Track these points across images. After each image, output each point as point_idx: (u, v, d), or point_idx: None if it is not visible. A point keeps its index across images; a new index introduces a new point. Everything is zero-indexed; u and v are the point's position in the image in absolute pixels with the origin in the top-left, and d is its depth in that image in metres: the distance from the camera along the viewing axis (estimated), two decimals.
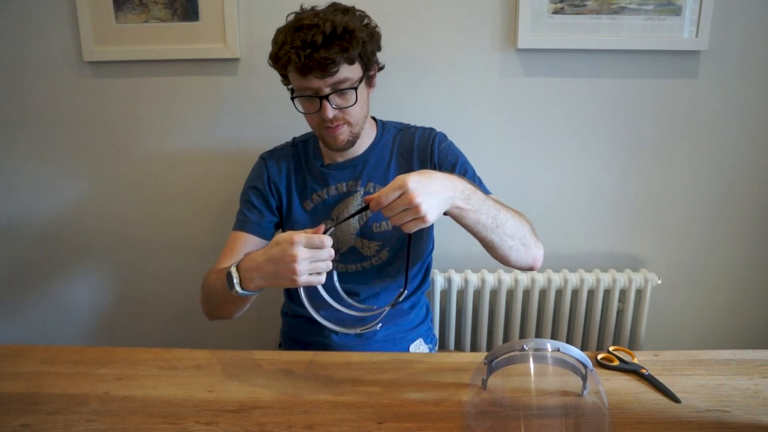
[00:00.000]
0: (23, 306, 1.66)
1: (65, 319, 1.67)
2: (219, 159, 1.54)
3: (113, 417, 0.86)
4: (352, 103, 1.08)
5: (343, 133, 1.10)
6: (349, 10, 1.09)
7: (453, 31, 1.45)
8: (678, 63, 1.47)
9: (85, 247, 1.62)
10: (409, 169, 1.18)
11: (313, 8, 1.09)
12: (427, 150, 1.18)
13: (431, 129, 1.23)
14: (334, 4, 1.11)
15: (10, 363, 1.01)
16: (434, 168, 1.16)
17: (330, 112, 1.06)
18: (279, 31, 1.08)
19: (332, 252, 0.87)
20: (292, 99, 1.11)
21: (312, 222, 1.19)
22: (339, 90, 1.05)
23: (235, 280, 0.94)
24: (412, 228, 0.85)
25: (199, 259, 1.61)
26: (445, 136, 1.22)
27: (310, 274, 0.87)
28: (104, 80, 1.49)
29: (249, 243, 1.16)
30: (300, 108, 1.10)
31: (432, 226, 1.24)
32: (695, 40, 1.43)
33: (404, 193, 0.82)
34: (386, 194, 0.83)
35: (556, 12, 1.42)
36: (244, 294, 0.95)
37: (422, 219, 0.83)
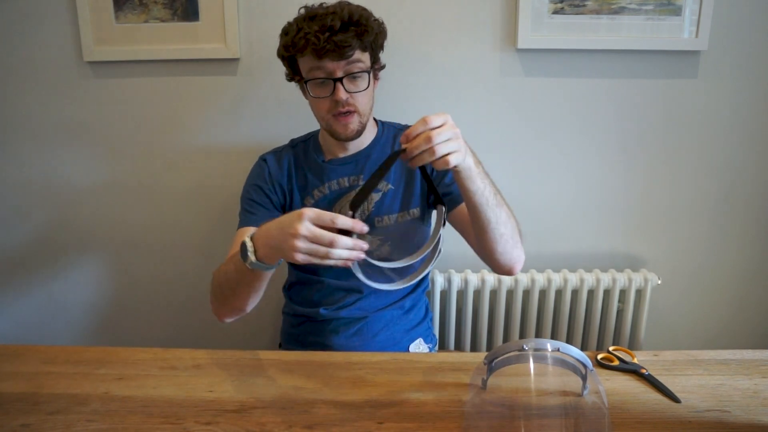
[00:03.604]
0: (23, 306, 1.66)
1: (65, 319, 1.67)
2: (219, 159, 1.54)
3: (113, 417, 0.86)
4: (364, 88, 1.10)
5: (353, 122, 1.11)
6: (358, 6, 1.12)
7: (453, 31, 1.45)
8: (678, 63, 1.47)
9: (85, 247, 1.62)
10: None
11: (321, 4, 1.13)
12: None
13: None
14: (342, 2, 1.13)
15: (10, 363, 1.01)
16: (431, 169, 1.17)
17: (343, 94, 1.07)
18: (290, 23, 1.12)
19: (349, 242, 0.79)
20: (305, 83, 1.12)
21: None
22: (352, 74, 1.08)
23: (249, 250, 0.88)
24: (453, 161, 0.82)
25: (199, 259, 1.61)
26: None
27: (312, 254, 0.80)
28: (104, 80, 1.49)
29: None
30: (311, 93, 1.11)
31: (429, 229, 1.24)
32: (695, 40, 1.43)
33: (447, 123, 0.82)
34: (432, 118, 0.81)
35: (556, 12, 1.42)
36: (257, 266, 0.89)
37: (460, 152, 0.83)
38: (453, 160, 0.83)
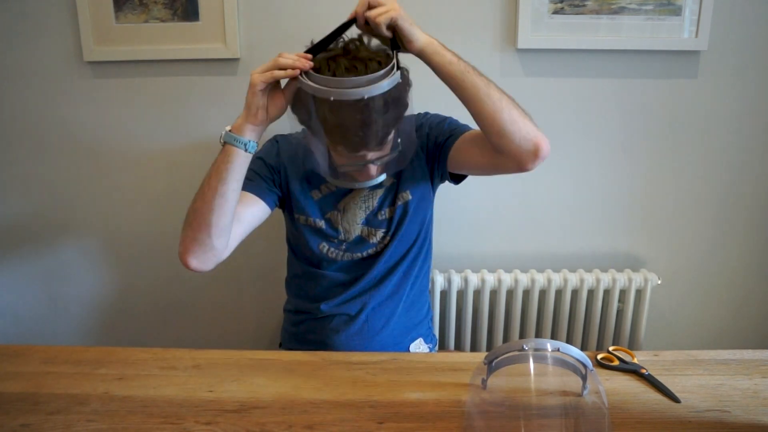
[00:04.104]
0: (24, 306, 1.66)
1: (65, 319, 1.67)
2: None
3: (113, 417, 0.86)
4: (389, 151, 1.03)
5: (375, 172, 1.06)
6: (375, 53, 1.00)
7: (453, 31, 1.45)
8: (678, 63, 1.47)
9: (86, 246, 1.62)
10: None
11: (337, 59, 0.97)
12: (417, 124, 1.17)
13: (417, 112, 1.21)
14: (353, 46, 1.00)
15: (10, 363, 1.01)
16: (425, 135, 1.16)
17: (373, 171, 1.02)
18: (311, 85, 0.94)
19: (293, 55, 0.94)
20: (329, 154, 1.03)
21: (321, 210, 1.18)
22: (381, 151, 1.01)
23: (226, 127, 0.98)
24: (384, 18, 0.93)
25: None
26: (428, 111, 1.22)
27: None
28: (104, 80, 1.49)
29: (251, 201, 1.10)
30: (336, 160, 1.03)
31: (430, 221, 1.24)
32: (695, 40, 1.43)
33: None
34: None
35: (556, 12, 1.42)
36: (229, 139, 0.97)
37: (398, 12, 0.94)
38: (384, 18, 0.93)
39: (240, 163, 0.99)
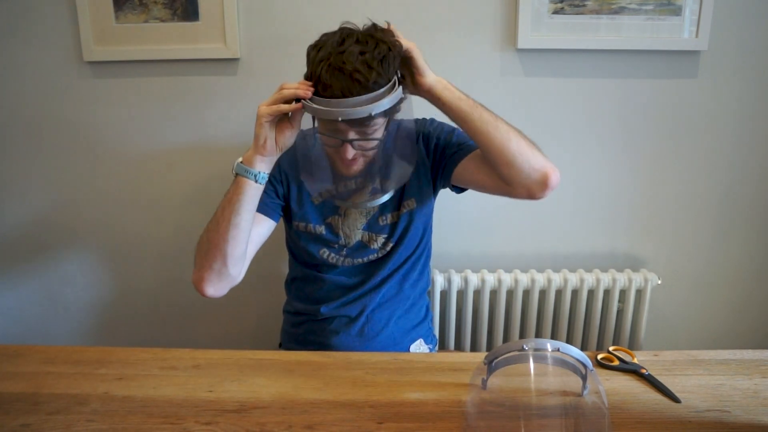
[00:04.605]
0: (24, 306, 1.66)
1: (65, 319, 1.67)
2: (219, 159, 1.54)
3: (113, 417, 0.86)
4: (375, 145, 1.03)
5: (358, 165, 1.06)
6: (383, 47, 0.94)
7: (453, 31, 1.45)
8: (678, 63, 1.47)
9: (86, 247, 1.62)
10: None
11: (343, 41, 0.95)
12: (423, 133, 1.17)
13: (423, 118, 1.21)
14: (366, 38, 0.96)
15: (10, 363, 1.01)
16: (432, 145, 1.15)
17: (350, 153, 1.01)
18: (316, 59, 0.94)
19: (294, 84, 0.96)
20: (314, 126, 1.03)
21: (321, 215, 1.18)
22: (366, 136, 1.01)
23: (239, 159, 1.00)
24: None
25: None
26: (434, 119, 1.20)
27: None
28: (104, 80, 1.49)
29: (258, 220, 1.10)
30: (321, 139, 1.04)
31: (431, 225, 1.24)
32: (695, 40, 1.43)
33: None
34: None
35: (556, 12, 1.42)
36: (240, 170, 0.99)
37: None
38: (402, 41, 0.97)
39: (251, 194, 1.01)
